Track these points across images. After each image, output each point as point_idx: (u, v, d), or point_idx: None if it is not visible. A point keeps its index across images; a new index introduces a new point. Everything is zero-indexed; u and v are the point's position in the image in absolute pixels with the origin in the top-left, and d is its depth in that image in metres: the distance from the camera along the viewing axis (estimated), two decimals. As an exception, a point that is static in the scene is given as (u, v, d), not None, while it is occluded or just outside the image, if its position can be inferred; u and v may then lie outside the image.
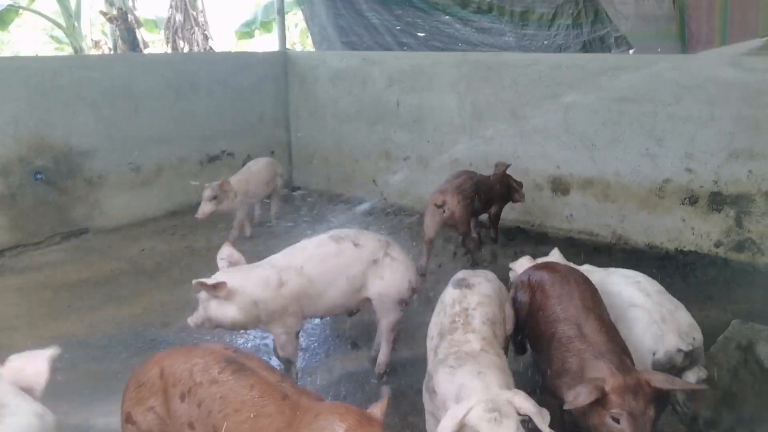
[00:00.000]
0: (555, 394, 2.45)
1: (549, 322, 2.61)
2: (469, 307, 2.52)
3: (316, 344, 3.86)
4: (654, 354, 2.51)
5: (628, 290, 2.79)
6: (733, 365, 2.81)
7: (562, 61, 5.76)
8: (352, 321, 3.89)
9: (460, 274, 2.83)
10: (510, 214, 5.74)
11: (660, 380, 2.16)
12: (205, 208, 5.03)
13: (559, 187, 5.70)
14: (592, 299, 2.62)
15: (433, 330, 2.58)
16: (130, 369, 3.50)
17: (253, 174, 5.62)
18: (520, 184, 5.27)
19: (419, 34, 7.58)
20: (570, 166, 5.50)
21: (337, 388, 3.34)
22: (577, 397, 2.12)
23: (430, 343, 2.53)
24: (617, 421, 2.09)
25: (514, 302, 2.96)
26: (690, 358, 2.51)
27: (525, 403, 2.04)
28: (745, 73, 4.72)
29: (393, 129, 6.67)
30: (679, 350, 2.48)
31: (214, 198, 5.05)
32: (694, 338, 2.54)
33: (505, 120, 5.90)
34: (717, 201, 4.96)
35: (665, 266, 4.89)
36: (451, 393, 2.18)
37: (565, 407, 2.18)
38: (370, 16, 7.75)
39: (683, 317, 2.61)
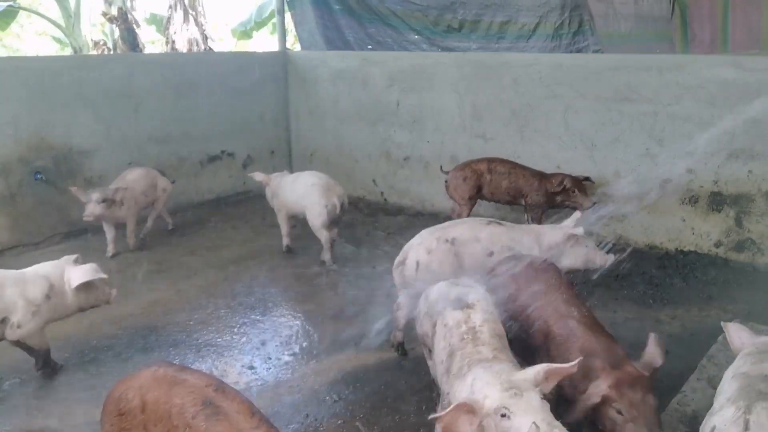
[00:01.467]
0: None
1: (537, 320, 2.64)
2: (475, 325, 2.46)
3: (317, 344, 3.86)
4: (326, 206, 4.77)
5: (309, 178, 5.00)
6: (733, 365, 2.81)
7: (562, 61, 5.76)
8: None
9: (453, 292, 2.69)
10: (510, 214, 5.74)
11: (645, 364, 2.34)
12: (95, 210, 4.90)
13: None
14: (568, 291, 2.75)
15: (441, 354, 2.49)
16: (130, 369, 3.51)
17: (129, 183, 5.27)
18: (574, 189, 4.99)
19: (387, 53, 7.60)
20: (570, 166, 5.49)
21: (337, 388, 3.34)
22: (587, 400, 2.27)
23: (441, 367, 2.46)
24: (620, 413, 2.22)
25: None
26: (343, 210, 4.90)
27: (537, 368, 2.07)
28: (745, 73, 4.72)
29: (393, 129, 6.67)
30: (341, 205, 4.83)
31: (104, 201, 4.91)
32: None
33: (505, 120, 5.90)
34: (717, 201, 4.96)
35: (665, 266, 4.89)
36: (465, 394, 2.12)
37: (577, 410, 2.29)
38: (347, 33, 7.79)
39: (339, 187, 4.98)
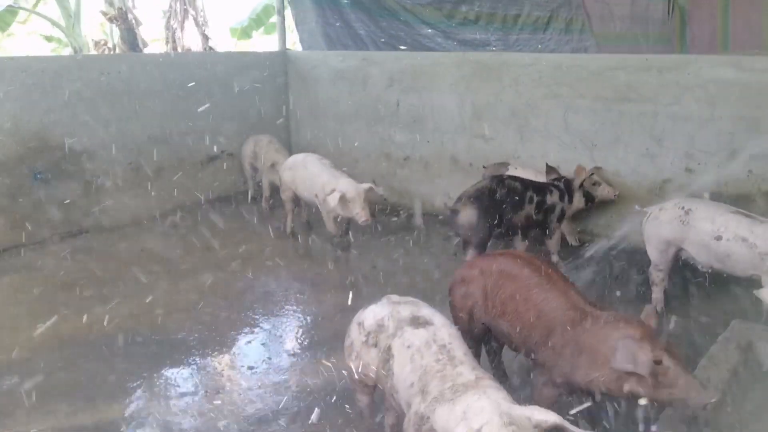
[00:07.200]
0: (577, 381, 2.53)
1: (542, 312, 2.65)
2: (445, 343, 2.35)
3: (317, 344, 3.87)
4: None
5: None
6: (733, 365, 2.80)
7: (562, 61, 5.76)
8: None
9: (405, 311, 2.52)
10: (510, 214, 5.73)
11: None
12: None
13: (559, 187, 5.69)
14: (562, 278, 2.80)
15: (410, 377, 2.30)
16: (130, 369, 3.52)
17: None
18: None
19: (401, 47, 7.60)
20: (570, 166, 5.48)
21: (337, 388, 3.34)
22: (637, 361, 2.25)
23: (411, 390, 2.26)
24: (660, 362, 2.26)
25: (463, 299, 2.94)
26: None
27: (546, 415, 1.91)
28: (745, 73, 4.72)
29: (393, 129, 6.67)
30: None
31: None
32: None
33: (505, 120, 5.90)
34: (717, 201, 4.95)
35: (665, 266, 4.88)
36: (454, 423, 1.96)
37: (634, 369, 2.26)
38: (357, 27, 7.79)
39: None
